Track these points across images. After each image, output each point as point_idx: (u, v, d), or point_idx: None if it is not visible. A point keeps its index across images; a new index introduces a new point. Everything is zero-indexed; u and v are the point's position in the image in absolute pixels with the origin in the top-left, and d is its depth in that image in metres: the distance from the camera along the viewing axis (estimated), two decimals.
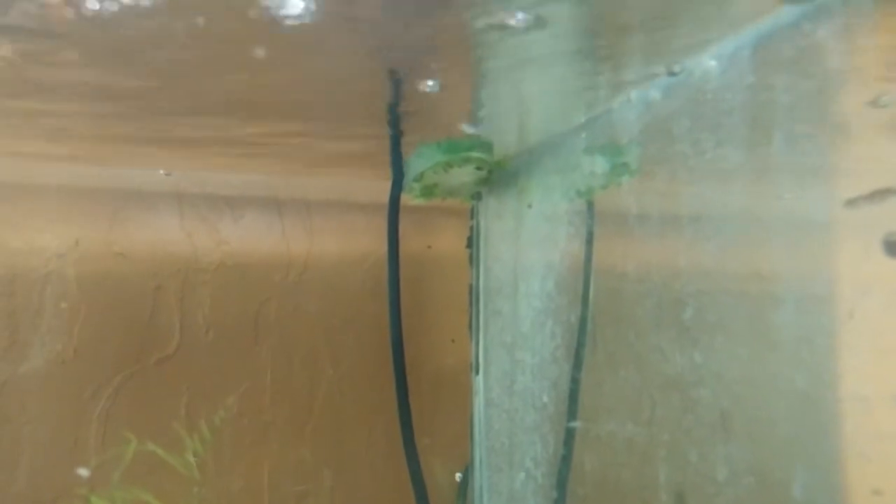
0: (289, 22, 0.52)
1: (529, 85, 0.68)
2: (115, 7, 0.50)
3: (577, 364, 0.79)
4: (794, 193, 0.53)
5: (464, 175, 0.90)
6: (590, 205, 0.79)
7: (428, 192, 0.92)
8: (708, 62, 0.57)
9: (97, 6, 0.50)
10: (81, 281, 1.06)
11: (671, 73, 0.61)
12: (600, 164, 0.74)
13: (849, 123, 0.50)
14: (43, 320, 1.04)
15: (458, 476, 0.94)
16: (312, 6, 0.50)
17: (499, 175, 0.93)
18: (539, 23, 0.51)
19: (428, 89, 0.66)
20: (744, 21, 0.52)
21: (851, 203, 0.46)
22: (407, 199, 0.94)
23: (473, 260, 1.07)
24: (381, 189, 0.94)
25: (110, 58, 0.61)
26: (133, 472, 1.04)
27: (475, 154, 0.85)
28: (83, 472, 1.03)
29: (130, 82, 0.68)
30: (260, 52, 0.58)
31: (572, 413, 0.79)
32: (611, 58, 0.61)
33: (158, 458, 1.05)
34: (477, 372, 1.04)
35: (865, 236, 0.48)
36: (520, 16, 0.50)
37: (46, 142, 0.89)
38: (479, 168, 0.88)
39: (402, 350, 0.89)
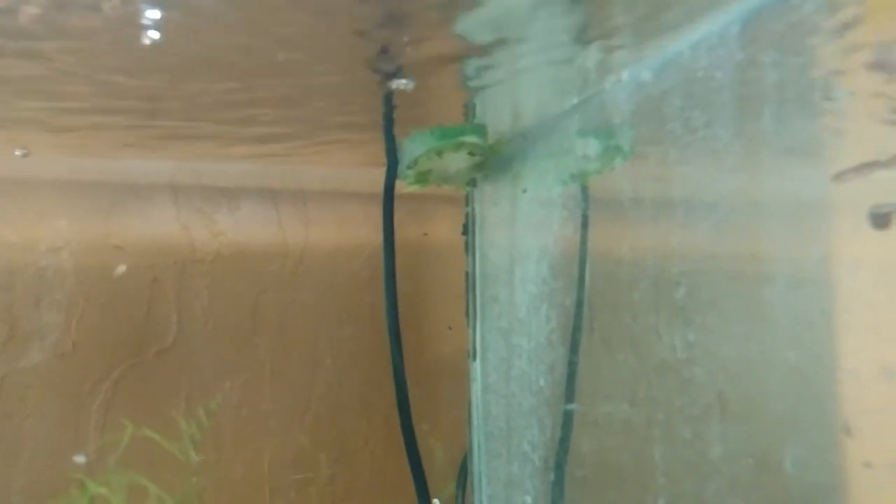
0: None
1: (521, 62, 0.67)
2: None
3: (574, 347, 0.79)
4: (784, 171, 0.53)
5: (458, 161, 0.89)
6: (584, 189, 0.79)
7: (422, 178, 0.92)
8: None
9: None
10: (79, 274, 1.06)
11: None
12: (593, 147, 0.74)
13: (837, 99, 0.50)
14: (41, 314, 1.04)
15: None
16: None
17: (493, 161, 0.93)
18: None
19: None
20: None
21: (840, 177, 0.46)
22: (402, 186, 0.94)
23: (469, 247, 1.06)
24: (376, 177, 0.94)
25: (110, 53, 0.61)
26: (133, 461, 1.04)
27: (468, 139, 0.85)
28: (81, 459, 1.03)
29: (128, 76, 0.68)
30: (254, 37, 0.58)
31: (569, 396, 0.79)
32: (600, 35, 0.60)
33: (158, 449, 1.05)
34: (474, 358, 1.04)
35: (855, 211, 0.48)
36: None
37: (41, 134, 0.89)
38: (472, 153, 0.88)
39: (399, 338, 0.89)
